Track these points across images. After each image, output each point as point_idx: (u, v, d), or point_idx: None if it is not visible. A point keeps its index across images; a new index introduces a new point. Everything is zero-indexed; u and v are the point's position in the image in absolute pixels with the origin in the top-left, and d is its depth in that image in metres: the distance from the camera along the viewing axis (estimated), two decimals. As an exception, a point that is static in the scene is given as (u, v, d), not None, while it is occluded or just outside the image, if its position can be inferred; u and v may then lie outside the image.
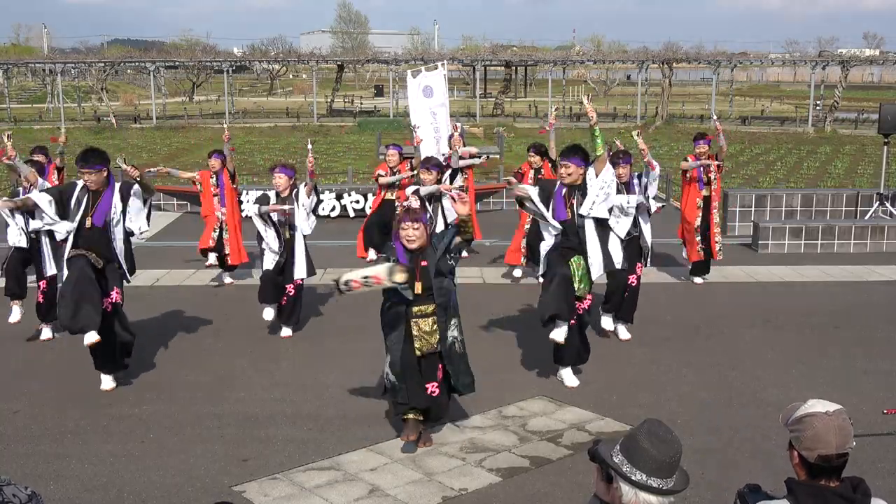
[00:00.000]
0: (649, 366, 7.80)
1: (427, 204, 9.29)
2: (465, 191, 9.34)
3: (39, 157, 9.32)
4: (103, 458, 5.89)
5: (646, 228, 8.81)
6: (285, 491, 5.43)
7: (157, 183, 11.29)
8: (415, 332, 5.93)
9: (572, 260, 7.08)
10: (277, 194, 8.61)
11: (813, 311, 9.59)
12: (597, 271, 7.13)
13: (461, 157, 11.73)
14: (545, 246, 7.27)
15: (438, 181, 9.16)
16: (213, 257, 10.87)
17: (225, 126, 10.71)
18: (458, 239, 6.32)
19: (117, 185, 7.22)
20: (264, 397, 7.03)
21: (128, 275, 7.35)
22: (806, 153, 30.36)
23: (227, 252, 10.74)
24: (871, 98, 53.50)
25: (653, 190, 8.97)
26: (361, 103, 53.03)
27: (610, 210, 7.26)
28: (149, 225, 7.47)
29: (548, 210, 7.16)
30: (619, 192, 7.87)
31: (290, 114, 46.28)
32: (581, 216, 7.07)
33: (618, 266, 7.53)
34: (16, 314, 8.98)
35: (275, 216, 8.50)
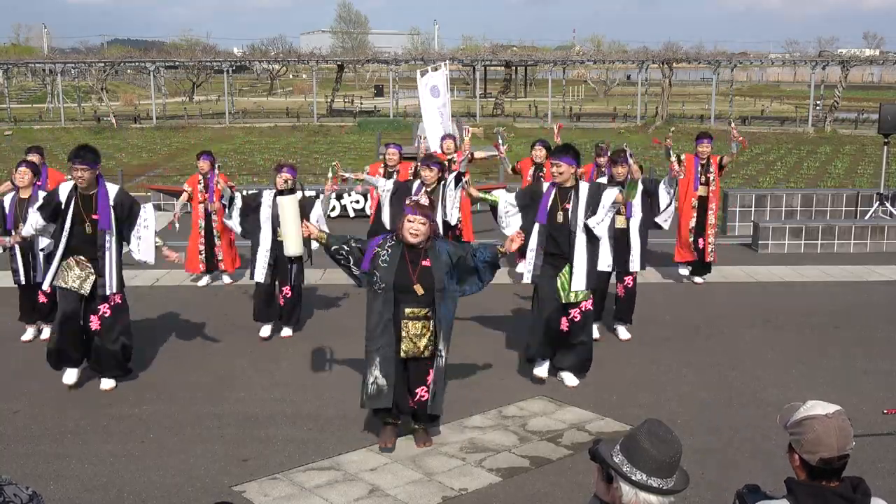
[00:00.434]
0: (649, 366, 7.79)
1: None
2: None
3: (34, 158, 9.18)
4: (103, 458, 5.89)
5: (633, 223, 8.58)
6: (285, 491, 5.43)
7: (160, 183, 11.26)
8: (403, 334, 5.85)
9: (562, 273, 7.07)
10: (274, 196, 8.59)
11: (813, 311, 9.59)
12: (579, 285, 7.05)
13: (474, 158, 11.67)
14: (531, 249, 7.17)
15: (440, 180, 9.13)
16: (205, 279, 10.85)
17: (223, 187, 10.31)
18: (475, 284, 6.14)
19: (112, 191, 7.08)
20: (264, 397, 7.03)
21: (114, 287, 7.08)
22: (806, 153, 30.36)
23: (220, 258, 10.71)
24: (871, 98, 53.48)
25: (666, 203, 8.60)
26: (361, 103, 53.03)
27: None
28: (153, 259, 7.33)
29: (533, 212, 7.11)
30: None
31: (290, 114, 46.27)
32: (572, 224, 7.03)
33: (607, 268, 7.62)
34: (28, 334, 8.74)
35: (268, 211, 8.44)
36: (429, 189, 8.99)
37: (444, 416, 6.34)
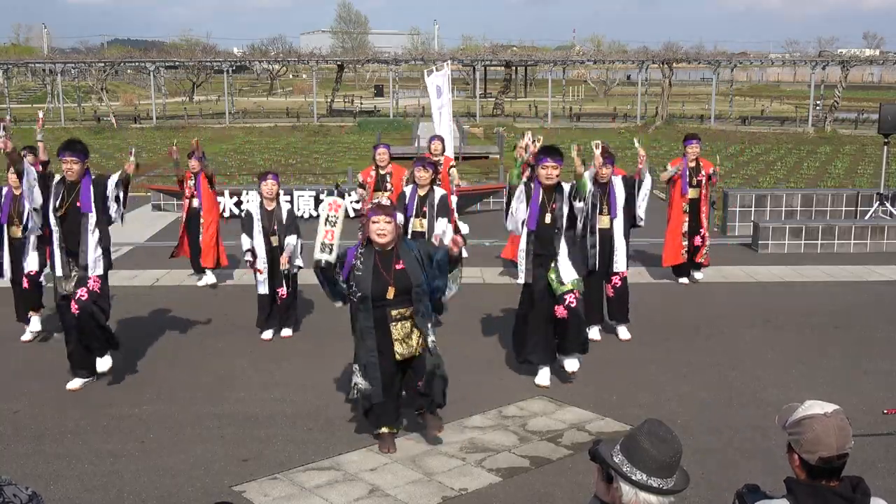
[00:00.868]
0: (649, 366, 7.80)
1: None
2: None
3: (29, 157, 9.22)
4: (103, 458, 5.89)
5: (617, 224, 8.54)
6: (285, 491, 5.43)
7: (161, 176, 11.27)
8: (394, 336, 5.85)
9: (551, 270, 7.11)
10: (262, 206, 8.61)
11: (813, 311, 9.59)
12: (569, 276, 7.07)
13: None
14: (521, 250, 7.24)
15: (433, 180, 9.12)
16: (205, 279, 10.87)
17: (194, 141, 10.74)
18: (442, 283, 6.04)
19: (93, 177, 7.29)
20: (264, 397, 7.03)
21: (98, 269, 7.18)
22: (806, 153, 30.36)
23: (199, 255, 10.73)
24: (871, 98, 53.50)
25: (642, 203, 8.70)
26: (361, 103, 53.05)
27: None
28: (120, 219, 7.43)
29: (525, 214, 7.18)
30: (597, 193, 8.30)
31: (290, 114, 46.29)
32: (558, 223, 7.09)
33: (588, 267, 7.67)
34: (28, 335, 8.69)
35: (259, 225, 8.50)
36: (422, 192, 9.01)
37: (445, 416, 6.34)
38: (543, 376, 7.31)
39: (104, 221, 7.27)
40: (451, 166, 11.93)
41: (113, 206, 7.30)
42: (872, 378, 7.47)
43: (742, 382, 7.36)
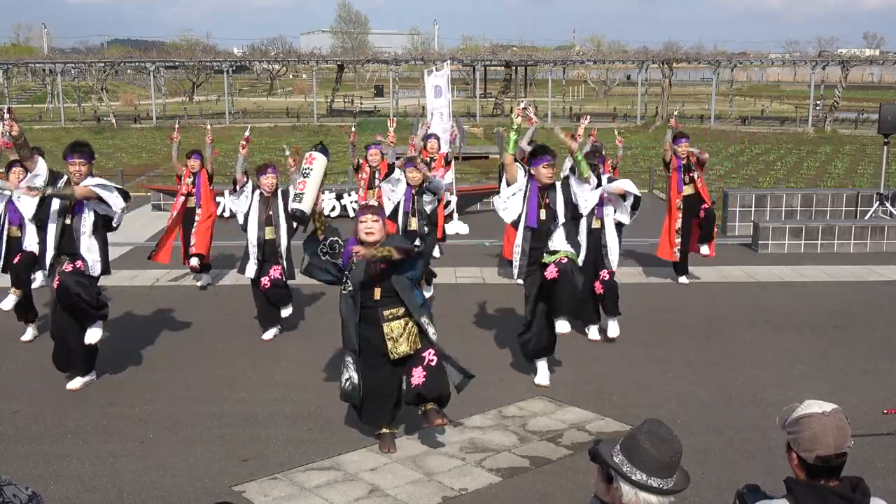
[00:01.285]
0: (649, 366, 7.80)
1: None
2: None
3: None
4: (103, 458, 5.89)
5: (608, 222, 8.55)
6: (285, 491, 5.43)
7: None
8: (387, 335, 5.84)
9: (544, 259, 7.11)
10: (261, 194, 8.63)
11: (813, 311, 9.59)
12: (560, 247, 7.08)
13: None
14: (518, 246, 7.24)
15: (423, 181, 9.14)
16: (205, 279, 10.85)
17: (208, 128, 10.57)
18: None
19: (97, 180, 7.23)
20: (264, 397, 7.03)
21: (96, 270, 7.17)
22: (806, 153, 30.37)
23: (192, 243, 10.65)
24: (871, 98, 53.52)
25: (624, 217, 8.59)
26: (361, 103, 53.06)
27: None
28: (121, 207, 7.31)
29: (522, 211, 7.19)
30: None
31: (290, 114, 46.31)
32: (556, 217, 7.12)
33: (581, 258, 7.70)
34: (28, 335, 8.70)
35: (256, 211, 8.49)
36: (414, 191, 9.02)
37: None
38: (543, 376, 7.30)
39: (102, 227, 7.22)
40: (447, 161, 11.97)
41: (112, 203, 7.17)
42: (872, 378, 7.47)
43: (742, 382, 7.36)
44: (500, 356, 8.03)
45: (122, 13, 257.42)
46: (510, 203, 7.30)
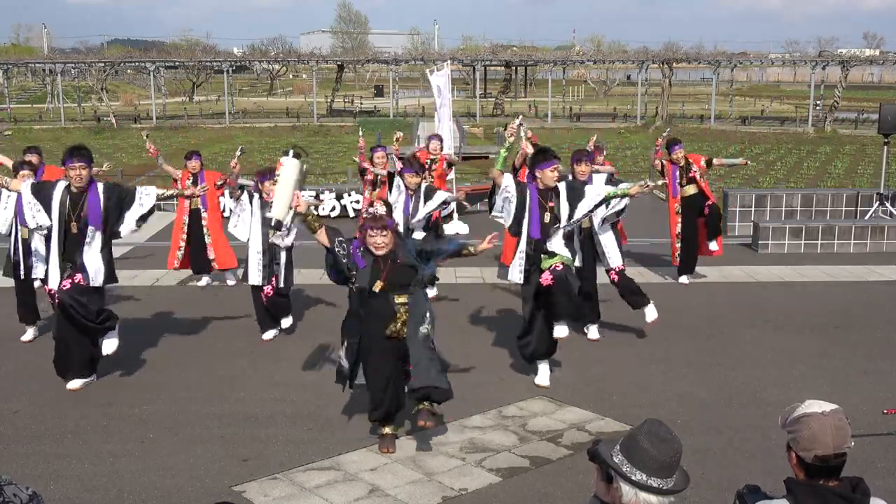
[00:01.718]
0: (649, 366, 7.80)
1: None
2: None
3: (32, 158, 9.13)
4: (103, 458, 5.89)
5: (595, 221, 8.47)
6: (285, 491, 5.43)
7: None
8: (399, 316, 5.81)
9: (542, 265, 7.09)
10: (262, 198, 8.61)
11: (813, 311, 9.59)
12: (558, 251, 7.11)
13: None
14: (521, 252, 7.18)
15: (419, 184, 9.13)
16: (205, 280, 10.81)
17: (237, 155, 9.82)
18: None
19: (100, 186, 7.13)
20: (264, 397, 7.03)
21: (98, 280, 7.11)
22: (806, 153, 30.37)
23: (212, 257, 10.67)
24: (871, 98, 53.50)
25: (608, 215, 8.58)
26: (361, 103, 53.06)
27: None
28: (137, 227, 7.36)
29: (524, 218, 7.13)
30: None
31: (290, 114, 46.31)
32: (558, 220, 7.10)
33: (577, 263, 7.71)
34: (28, 335, 8.70)
35: (259, 213, 8.51)
36: (411, 193, 9.01)
37: (445, 416, 6.34)
38: (543, 376, 7.30)
39: (109, 235, 7.17)
40: (449, 163, 11.95)
41: (127, 224, 7.17)
42: (872, 378, 7.47)
43: (742, 382, 7.36)
44: (500, 356, 8.03)
45: (122, 13, 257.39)
46: (506, 209, 7.28)
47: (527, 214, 7.13)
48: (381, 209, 5.92)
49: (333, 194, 16.11)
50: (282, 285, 8.59)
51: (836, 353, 8.16)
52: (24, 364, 7.91)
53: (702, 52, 49.82)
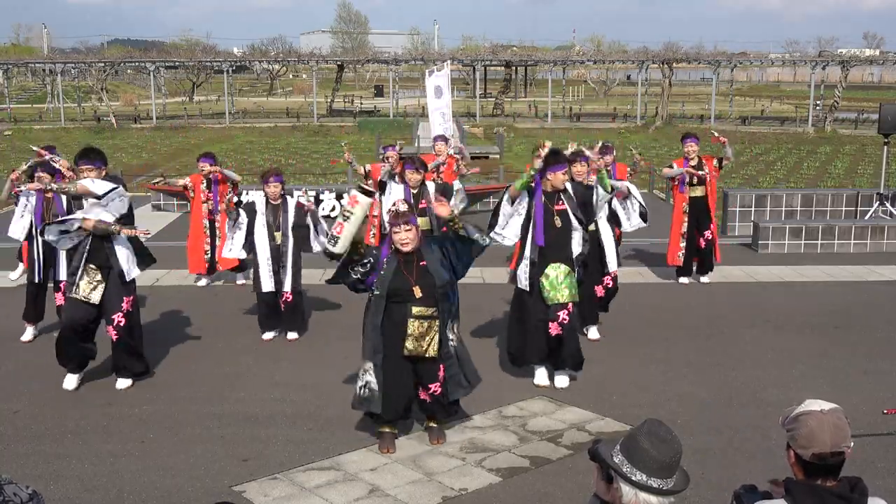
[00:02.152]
0: (649, 366, 7.80)
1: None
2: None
3: (42, 177, 9.32)
4: (103, 458, 5.89)
5: (602, 224, 8.61)
6: (285, 491, 5.43)
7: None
8: (409, 331, 5.80)
9: (547, 271, 7.07)
10: (267, 201, 8.60)
11: (813, 311, 9.59)
12: (569, 288, 7.10)
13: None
14: (525, 257, 7.11)
15: (423, 181, 9.10)
16: (204, 280, 10.81)
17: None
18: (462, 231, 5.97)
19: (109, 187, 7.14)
20: (264, 397, 7.03)
21: (135, 271, 7.24)
22: (806, 153, 30.38)
23: (216, 260, 10.67)
24: (871, 98, 53.54)
25: (630, 223, 8.92)
26: (361, 103, 53.08)
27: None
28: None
29: (529, 225, 7.11)
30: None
31: (290, 114, 46.33)
32: (571, 224, 7.10)
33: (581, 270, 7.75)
34: (28, 335, 8.72)
35: (263, 219, 8.51)
36: (414, 191, 8.99)
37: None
38: (542, 376, 7.30)
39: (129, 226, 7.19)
40: (457, 161, 11.90)
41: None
42: (872, 378, 7.47)
43: (742, 382, 7.36)
44: (500, 356, 8.02)
45: (122, 13, 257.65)
46: (509, 225, 7.20)
47: (533, 225, 7.09)
48: (402, 206, 5.88)
49: (333, 194, 16.12)
50: (289, 288, 8.57)
51: (836, 353, 8.16)
52: (24, 364, 7.91)
53: (702, 52, 49.85)
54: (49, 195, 8.42)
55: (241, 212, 8.62)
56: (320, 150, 31.06)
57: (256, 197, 8.71)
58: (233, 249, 8.73)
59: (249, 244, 8.63)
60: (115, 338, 7.13)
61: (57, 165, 8.03)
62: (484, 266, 11.74)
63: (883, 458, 5.85)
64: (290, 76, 79.93)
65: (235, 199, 9.16)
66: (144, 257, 7.42)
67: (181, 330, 8.92)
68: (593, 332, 8.65)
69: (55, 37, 78.71)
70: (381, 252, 5.95)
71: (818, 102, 43.53)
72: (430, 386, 6.00)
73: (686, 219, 10.58)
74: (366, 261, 5.86)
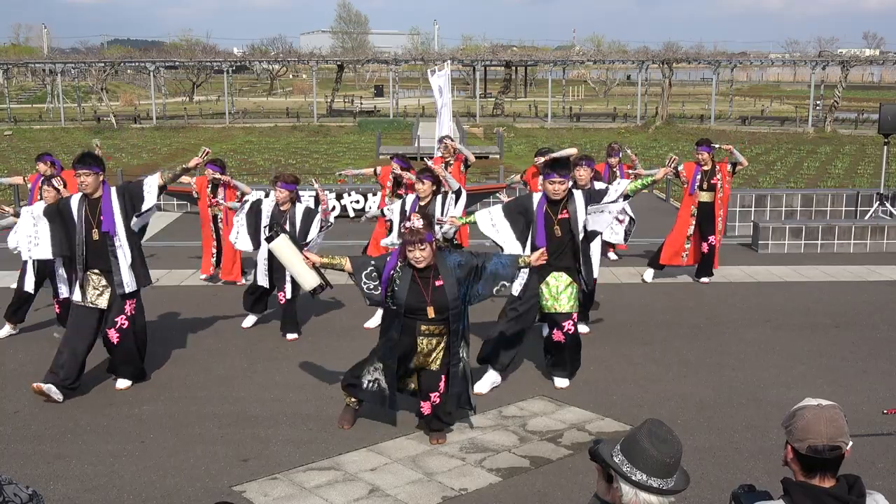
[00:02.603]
0: (649, 366, 7.80)
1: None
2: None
3: (43, 167, 9.34)
4: (103, 458, 5.89)
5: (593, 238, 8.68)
6: (285, 491, 5.43)
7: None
8: (419, 349, 5.97)
9: (548, 279, 7.08)
10: (277, 205, 8.61)
11: (813, 311, 9.59)
12: (571, 298, 7.13)
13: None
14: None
15: (435, 192, 9.01)
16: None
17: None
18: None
19: (113, 189, 7.09)
20: (264, 397, 7.03)
21: (133, 285, 7.12)
22: (806, 153, 30.38)
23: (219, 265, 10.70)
24: (871, 98, 53.56)
25: (616, 237, 8.93)
26: (361, 103, 53.06)
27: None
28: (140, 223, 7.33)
29: (527, 232, 7.07)
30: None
31: (290, 114, 46.32)
32: (574, 232, 7.08)
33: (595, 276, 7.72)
34: (4, 332, 8.75)
35: (267, 221, 8.52)
36: (423, 202, 8.92)
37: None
38: (485, 384, 7.09)
39: (134, 236, 7.14)
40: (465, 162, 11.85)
41: (136, 223, 7.13)
42: (872, 378, 7.47)
43: (742, 382, 7.36)
44: (500, 356, 8.02)
45: (122, 13, 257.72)
46: (501, 230, 7.10)
47: (533, 227, 7.07)
48: (418, 222, 5.79)
49: (333, 194, 16.11)
50: (286, 290, 8.57)
51: (836, 353, 8.16)
52: (24, 364, 7.91)
53: (702, 52, 49.81)
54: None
55: (248, 200, 8.73)
56: (320, 150, 31.05)
57: (265, 201, 8.75)
58: (238, 240, 8.77)
59: (256, 241, 8.66)
60: (116, 340, 7.10)
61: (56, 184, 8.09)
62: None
63: (883, 458, 5.84)
64: (290, 76, 79.93)
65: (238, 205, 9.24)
66: (143, 277, 7.28)
67: (181, 330, 8.92)
68: (582, 327, 8.66)
69: (55, 37, 78.77)
70: (388, 262, 5.93)
71: (818, 102, 43.53)
72: (431, 395, 6.07)
73: (693, 222, 10.59)
74: (371, 273, 5.91)
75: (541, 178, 7.44)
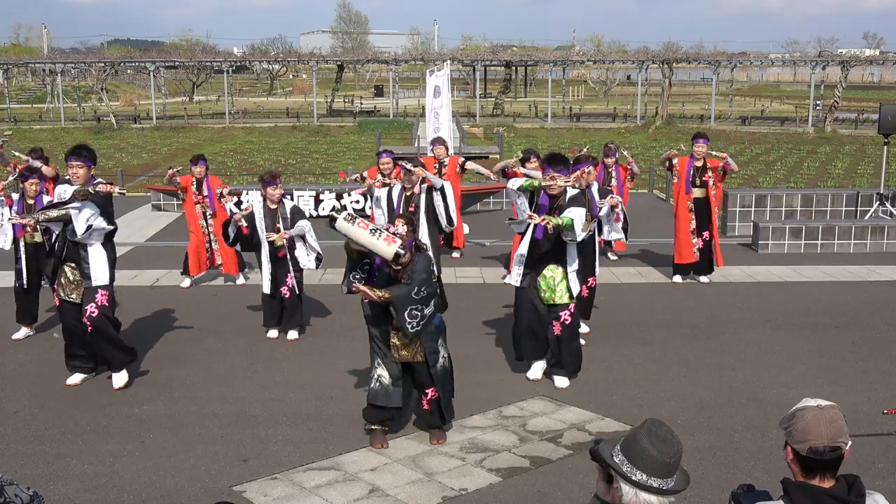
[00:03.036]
0: (649, 366, 7.80)
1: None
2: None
3: (37, 163, 9.29)
4: (103, 458, 5.89)
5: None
6: (285, 491, 5.43)
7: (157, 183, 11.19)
8: (393, 342, 6.01)
9: (544, 272, 7.10)
10: (265, 205, 8.59)
11: (813, 311, 9.59)
12: (575, 287, 7.16)
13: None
14: (520, 254, 7.18)
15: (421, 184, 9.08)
16: (187, 281, 10.73)
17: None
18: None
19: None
20: (264, 397, 7.03)
21: (98, 282, 7.06)
22: (806, 153, 30.38)
23: (219, 263, 10.66)
24: (871, 98, 53.57)
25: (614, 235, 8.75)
26: (361, 103, 53.04)
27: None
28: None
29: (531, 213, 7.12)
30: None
31: (290, 114, 46.32)
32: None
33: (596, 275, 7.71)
34: (20, 334, 8.74)
35: (262, 223, 8.51)
36: (408, 193, 8.98)
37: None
38: (536, 371, 7.35)
39: (104, 240, 7.13)
40: (463, 164, 11.86)
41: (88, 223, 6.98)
42: (872, 378, 7.47)
43: (742, 382, 7.36)
44: (500, 356, 8.03)
45: (122, 13, 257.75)
46: (521, 203, 7.17)
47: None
48: (402, 228, 5.86)
49: (333, 194, 16.10)
50: (287, 287, 8.57)
51: (836, 353, 8.16)
52: (24, 364, 7.91)
53: (702, 52, 49.79)
54: (31, 201, 8.51)
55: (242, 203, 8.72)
56: (320, 150, 31.05)
57: (254, 200, 8.71)
58: (230, 239, 8.73)
59: (252, 244, 8.63)
60: (89, 328, 7.06)
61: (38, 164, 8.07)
62: (484, 266, 11.75)
63: (883, 458, 5.85)
64: (290, 76, 79.91)
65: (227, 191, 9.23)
66: (111, 271, 7.24)
67: (181, 330, 8.92)
68: (582, 327, 8.67)
69: (55, 37, 78.79)
70: (377, 260, 5.97)
71: (818, 102, 43.52)
72: (427, 391, 6.08)
73: (693, 217, 10.60)
74: (364, 265, 5.90)
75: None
